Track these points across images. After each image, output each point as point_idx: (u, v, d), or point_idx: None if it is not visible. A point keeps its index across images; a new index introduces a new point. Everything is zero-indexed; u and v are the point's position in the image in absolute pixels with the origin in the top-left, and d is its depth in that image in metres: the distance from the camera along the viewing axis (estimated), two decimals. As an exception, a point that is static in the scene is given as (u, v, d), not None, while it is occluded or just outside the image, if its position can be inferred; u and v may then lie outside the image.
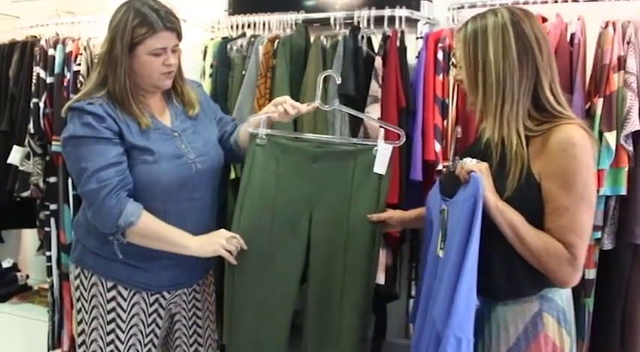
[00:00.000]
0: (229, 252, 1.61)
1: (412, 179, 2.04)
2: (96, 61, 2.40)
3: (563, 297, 1.32)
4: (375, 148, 1.68)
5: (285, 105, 1.68)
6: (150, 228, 1.57)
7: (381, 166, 1.67)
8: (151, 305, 1.69)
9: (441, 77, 2.04)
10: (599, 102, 1.85)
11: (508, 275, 1.29)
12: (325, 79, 1.99)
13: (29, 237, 3.34)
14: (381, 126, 1.74)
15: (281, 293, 1.71)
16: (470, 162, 1.30)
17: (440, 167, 2.02)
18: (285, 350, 1.74)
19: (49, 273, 2.65)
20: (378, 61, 2.10)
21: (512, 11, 1.32)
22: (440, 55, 2.04)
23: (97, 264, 1.66)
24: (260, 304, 1.70)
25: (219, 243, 1.61)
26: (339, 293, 1.69)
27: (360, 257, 1.69)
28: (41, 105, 2.58)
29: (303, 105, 1.72)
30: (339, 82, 1.82)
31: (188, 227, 1.63)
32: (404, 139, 1.73)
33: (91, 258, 1.67)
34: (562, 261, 1.23)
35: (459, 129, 1.54)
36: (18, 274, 3.19)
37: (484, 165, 1.29)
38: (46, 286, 3.06)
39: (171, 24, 1.57)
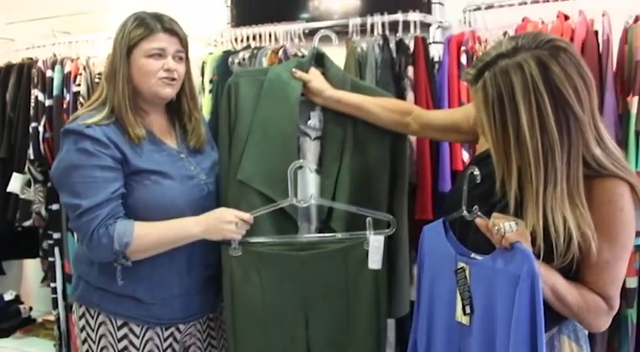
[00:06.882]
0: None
1: (441, 191, 1.91)
2: (97, 80, 2.36)
3: None
4: (366, 242, 1.52)
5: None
6: (148, 240, 1.45)
7: (375, 261, 1.51)
8: (165, 340, 1.57)
9: (465, 83, 1.93)
10: (635, 101, 1.75)
11: None
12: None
13: (31, 267, 3.22)
14: (367, 217, 1.52)
15: None
16: (509, 229, 1.12)
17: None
18: None
19: (55, 306, 2.53)
20: (410, 70, 1.98)
21: (539, 58, 1.08)
22: (463, 59, 1.93)
23: (104, 301, 1.53)
24: None
25: (226, 230, 1.48)
26: None
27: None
28: (40, 129, 2.50)
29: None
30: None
31: (197, 250, 1.54)
32: (394, 227, 1.56)
33: (96, 295, 1.54)
34: (601, 313, 1.17)
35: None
36: (21, 307, 3.06)
37: (525, 230, 1.13)
38: (51, 318, 2.94)
39: (170, 27, 1.50)
